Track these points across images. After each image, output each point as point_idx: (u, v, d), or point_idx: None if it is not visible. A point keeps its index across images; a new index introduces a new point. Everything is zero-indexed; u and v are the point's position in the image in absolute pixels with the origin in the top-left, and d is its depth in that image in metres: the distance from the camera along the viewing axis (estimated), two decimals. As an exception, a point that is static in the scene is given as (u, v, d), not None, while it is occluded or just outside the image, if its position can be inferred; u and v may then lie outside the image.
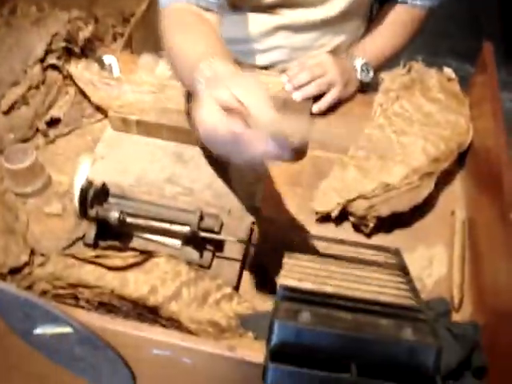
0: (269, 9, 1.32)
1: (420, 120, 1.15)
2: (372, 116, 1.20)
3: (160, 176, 1.11)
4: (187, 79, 0.91)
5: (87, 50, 1.36)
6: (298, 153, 0.74)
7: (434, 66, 1.30)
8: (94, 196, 0.92)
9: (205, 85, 0.79)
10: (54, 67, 1.27)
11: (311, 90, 1.23)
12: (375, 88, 1.31)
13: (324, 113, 1.25)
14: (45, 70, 1.26)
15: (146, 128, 1.17)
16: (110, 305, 0.85)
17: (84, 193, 0.90)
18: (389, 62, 1.38)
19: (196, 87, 0.82)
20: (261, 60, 1.40)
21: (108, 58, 1.35)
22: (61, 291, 0.82)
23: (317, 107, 1.23)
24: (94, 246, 0.96)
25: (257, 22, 1.35)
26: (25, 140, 1.17)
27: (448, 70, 1.25)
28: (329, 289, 0.78)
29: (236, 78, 0.74)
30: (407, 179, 1.05)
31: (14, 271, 0.97)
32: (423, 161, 1.08)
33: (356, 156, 1.10)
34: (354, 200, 1.03)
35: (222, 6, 1.11)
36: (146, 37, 1.66)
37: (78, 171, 0.90)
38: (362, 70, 1.31)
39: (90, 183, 0.92)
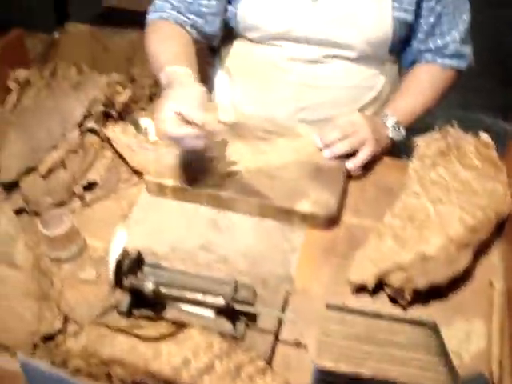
0: (272, 40, 1.35)
1: (457, 188, 1.14)
2: (407, 183, 1.19)
3: (195, 243, 1.11)
4: (158, 78, 1.19)
5: (124, 113, 1.38)
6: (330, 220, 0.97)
7: (467, 122, 1.30)
8: (129, 266, 0.92)
9: (164, 88, 1.12)
10: (91, 131, 1.28)
11: (343, 147, 1.23)
12: (409, 152, 1.30)
13: (357, 177, 1.23)
14: (83, 133, 1.27)
15: (182, 194, 1.17)
16: (143, 383, 0.84)
17: (119, 264, 0.90)
18: (420, 119, 1.40)
19: (161, 87, 1.14)
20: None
21: (144, 121, 1.37)
22: (94, 369, 0.82)
23: (351, 164, 1.22)
24: (128, 314, 0.95)
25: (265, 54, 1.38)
26: (61, 203, 1.18)
27: (484, 136, 1.24)
28: (365, 371, 0.76)
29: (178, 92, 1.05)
30: (445, 249, 1.03)
31: (48, 338, 0.96)
32: (460, 230, 1.06)
33: (392, 224, 1.09)
34: (390, 271, 1.01)
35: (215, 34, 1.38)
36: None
37: (113, 241, 0.91)
38: (394, 128, 1.32)
39: (125, 253, 0.92)
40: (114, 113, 1.33)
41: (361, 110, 1.40)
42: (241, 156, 1.22)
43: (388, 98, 1.44)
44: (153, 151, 1.23)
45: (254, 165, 1.21)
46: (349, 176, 1.23)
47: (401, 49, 1.42)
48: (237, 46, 1.43)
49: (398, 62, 1.47)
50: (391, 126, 1.30)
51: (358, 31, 1.31)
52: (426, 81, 1.40)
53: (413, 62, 1.43)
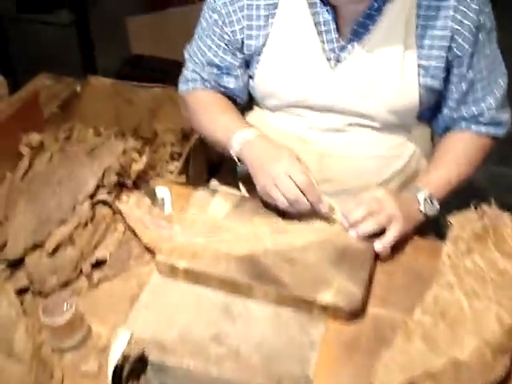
0: (291, 108, 1.29)
1: (494, 280, 1.04)
2: (440, 269, 1.09)
3: (205, 333, 1.03)
4: (222, 148, 1.29)
5: (140, 181, 1.31)
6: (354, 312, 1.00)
7: (506, 177, 1.19)
8: (130, 371, 0.84)
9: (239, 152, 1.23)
10: (103, 202, 1.22)
11: (369, 226, 1.14)
12: (442, 232, 1.21)
13: (385, 260, 1.14)
14: (94, 205, 1.21)
15: (195, 276, 1.10)
16: None
17: (120, 369, 0.82)
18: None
19: (232, 152, 1.24)
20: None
21: (161, 191, 1.31)
22: None
23: (380, 244, 1.13)
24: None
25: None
26: (67, 283, 1.11)
27: (525, 216, 1.14)
28: None
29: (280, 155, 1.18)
30: (480, 354, 0.94)
31: None
32: (497, 331, 0.96)
33: (422, 322, 0.99)
34: (419, 379, 0.91)
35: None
36: (203, 159, 1.61)
37: (114, 344, 0.83)
38: (426, 201, 1.20)
39: (126, 356, 0.84)
40: (128, 182, 1.26)
41: (388, 180, 1.31)
42: (258, 235, 1.14)
43: (418, 167, 1.35)
44: (167, 229, 1.16)
45: (273, 246, 1.13)
46: (376, 257, 1.14)
47: (431, 115, 1.33)
48: (255, 114, 1.37)
49: (430, 127, 1.38)
50: (423, 199, 1.20)
51: (381, 101, 1.22)
52: (460, 150, 1.30)
53: (446, 129, 1.34)
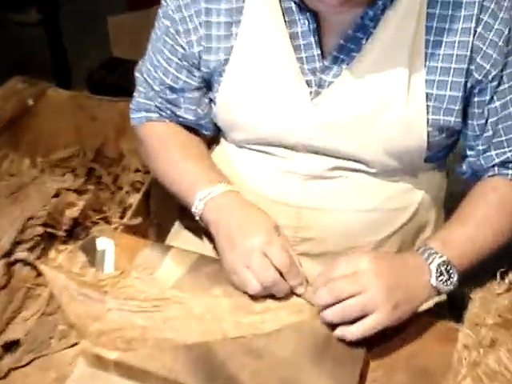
0: (262, 146, 1.01)
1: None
2: (453, 365, 0.81)
3: None
4: (181, 198, 1.03)
5: (80, 229, 1.03)
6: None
7: None
8: None
9: (208, 217, 0.95)
10: (24, 261, 0.94)
11: (336, 313, 0.84)
12: (457, 304, 0.92)
13: (383, 350, 0.86)
14: (11, 265, 0.93)
15: (129, 372, 0.82)
16: None
17: None
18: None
19: (193, 210, 0.97)
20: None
21: (103, 244, 1.02)
22: None
23: (341, 332, 0.84)
24: None
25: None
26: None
27: None
28: None
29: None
30: None
31: None
32: None
33: None
34: None
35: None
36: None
37: None
38: (440, 272, 0.89)
39: None
40: (60, 233, 0.98)
41: (386, 239, 1.02)
42: (216, 313, 0.87)
43: (426, 220, 1.06)
44: (98, 303, 0.88)
45: (234, 329, 0.85)
46: (369, 346, 0.86)
47: (446, 153, 1.04)
48: (220, 149, 1.08)
49: (442, 168, 1.08)
50: (436, 268, 0.88)
51: (377, 140, 0.93)
52: (491, 201, 0.96)
53: (474, 175, 1.02)
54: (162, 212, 1.35)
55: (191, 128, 1.07)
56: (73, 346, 0.90)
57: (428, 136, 0.92)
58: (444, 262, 0.88)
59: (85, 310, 0.89)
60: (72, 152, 1.61)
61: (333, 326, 0.86)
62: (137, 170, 1.52)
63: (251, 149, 1.01)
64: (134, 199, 1.32)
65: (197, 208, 0.95)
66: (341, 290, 0.83)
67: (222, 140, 1.08)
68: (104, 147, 1.64)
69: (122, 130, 1.69)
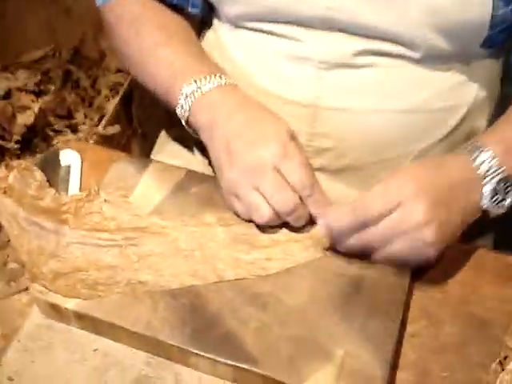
0: (266, 23, 0.76)
1: None
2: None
3: None
4: (161, 96, 0.77)
5: (37, 140, 0.81)
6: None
7: None
8: None
9: (198, 120, 0.71)
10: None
11: (357, 241, 0.64)
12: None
13: (426, 298, 0.65)
14: None
15: (93, 326, 0.62)
16: None
17: None
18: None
19: (178, 111, 0.73)
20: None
21: (68, 156, 0.81)
22: None
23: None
24: None
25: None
26: None
27: None
28: None
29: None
30: None
31: None
32: None
33: None
34: None
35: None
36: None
37: None
38: (496, 191, 0.66)
39: None
40: (10, 145, 0.76)
41: (426, 150, 0.79)
42: (207, 249, 0.67)
43: (478, 129, 0.83)
44: (55, 234, 0.67)
45: (232, 272, 0.65)
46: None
47: (505, 38, 0.79)
48: (212, 34, 0.83)
49: (500, 63, 0.84)
50: (493, 186, 0.65)
51: (421, 14, 0.68)
52: None
53: None
54: (148, 120, 1.12)
55: (174, 8, 0.82)
56: (25, 290, 0.69)
57: (493, 7, 0.67)
58: (504, 178, 0.65)
59: (37, 245, 0.68)
60: (45, 52, 1.40)
61: (362, 264, 0.64)
62: (118, 71, 1.28)
63: (251, 29, 0.77)
64: (113, 104, 1.09)
65: (182, 108, 0.71)
66: (369, 207, 0.63)
67: (215, 21, 0.83)
68: (82, 46, 1.45)
69: (102, 25, 1.45)
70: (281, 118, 0.70)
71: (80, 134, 0.88)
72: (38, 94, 0.86)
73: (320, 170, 0.80)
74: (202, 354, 0.59)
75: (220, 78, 0.72)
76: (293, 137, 0.68)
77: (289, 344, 0.59)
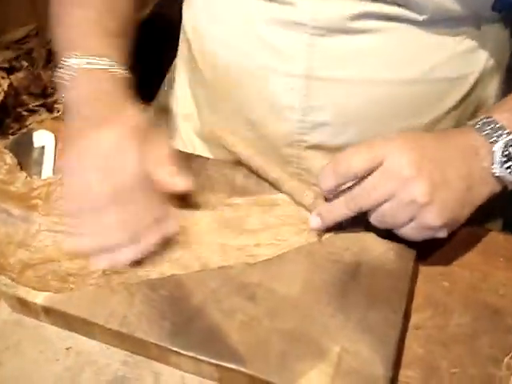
0: None
1: None
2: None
3: None
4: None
5: (8, 120, 0.75)
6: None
7: None
8: None
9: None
10: None
11: (338, 211, 0.59)
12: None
13: (431, 284, 0.59)
14: None
15: (65, 321, 0.56)
16: None
17: None
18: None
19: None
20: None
21: (42, 137, 0.75)
22: None
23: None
24: None
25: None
26: None
27: None
28: None
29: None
30: None
31: None
32: None
33: None
34: None
35: None
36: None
37: None
38: (508, 156, 0.58)
39: None
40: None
41: (433, 122, 0.72)
42: (190, 234, 0.61)
43: (487, 98, 0.76)
44: (24, 221, 0.61)
45: (217, 258, 0.59)
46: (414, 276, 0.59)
47: None
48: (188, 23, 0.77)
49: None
50: (502, 149, 0.57)
51: None
52: None
53: None
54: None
55: None
56: None
57: None
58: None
59: (5, 233, 0.62)
60: (28, 31, 1.31)
61: (360, 249, 0.58)
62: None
63: None
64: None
65: (61, 75, 0.64)
66: (362, 200, 0.57)
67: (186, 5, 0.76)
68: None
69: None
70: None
71: (56, 114, 0.81)
72: (11, 70, 0.79)
73: (317, 147, 0.73)
74: (183, 352, 0.53)
75: (105, 61, 0.63)
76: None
77: (279, 339, 0.53)
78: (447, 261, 0.62)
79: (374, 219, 0.58)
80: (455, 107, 0.71)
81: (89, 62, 0.63)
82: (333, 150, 0.73)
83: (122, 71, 0.64)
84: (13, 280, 0.59)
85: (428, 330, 0.58)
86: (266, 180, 0.66)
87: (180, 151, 0.69)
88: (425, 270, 0.61)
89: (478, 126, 0.58)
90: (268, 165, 0.66)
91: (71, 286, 0.58)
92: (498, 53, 0.72)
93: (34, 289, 0.58)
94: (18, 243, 0.61)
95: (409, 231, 0.57)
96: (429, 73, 0.67)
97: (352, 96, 0.69)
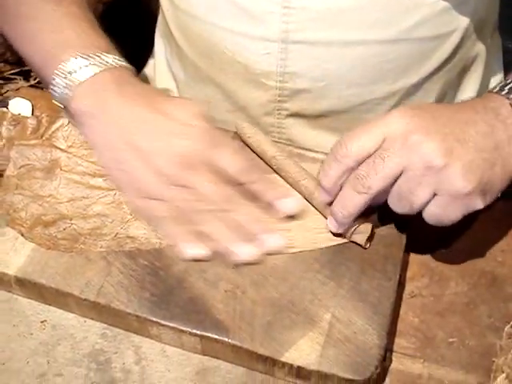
0: None
1: None
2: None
3: None
4: (35, 65, 0.62)
5: None
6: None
7: None
8: None
9: (82, 102, 0.56)
10: None
11: (349, 201, 0.52)
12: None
13: (427, 249, 0.56)
14: None
15: (39, 293, 0.53)
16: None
17: None
18: None
19: (57, 90, 0.58)
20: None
21: (17, 104, 0.72)
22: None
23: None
24: None
25: None
26: None
27: None
28: None
29: None
30: None
31: None
32: None
33: None
34: None
35: None
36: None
37: None
38: None
39: None
40: None
41: (417, 88, 0.69)
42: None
43: (475, 57, 0.73)
44: (43, 173, 0.59)
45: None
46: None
47: None
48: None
49: None
50: None
51: None
52: None
53: None
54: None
55: None
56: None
57: None
58: None
59: (19, 185, 0.59)
60: None
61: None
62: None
63: None
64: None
65: (62, 87, 0.58)
66: (369, 178, 0.50)
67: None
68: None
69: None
70: (187, 99, 0.60)
71: (32, 82, 0.77)
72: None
73: (297, 115, 0.70)
74: (163, 322, 0.50)
75: (115, 58, 0.59)
76: (208, 118, 0.57)
77: (266, 309, 0.50)
78: (443, 227, 0.58)
79: (392, 203, 0.51)
80: (441, 67, 0.67)
81: (94, 64, 0.58)
82: (314, 117, 0.69)
83: (123, 61, 0.61)
84: (22, 234, 0.55)
85: (424, 298, 0.55)
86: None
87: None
88: (420, 238, 0.57)
89: (495, 90, 0.54)
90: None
91: (81, 246, 0.55)
92: (482, 10, 0.68)
93: (42, 246, 0.55)
94: (33, 197, 0.58)
95: (436, 209, 0.49)
96: (408, 32, 0.63)
97: (330, 60, 0.64)
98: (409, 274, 0.56)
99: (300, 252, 0.53)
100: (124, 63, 0.60)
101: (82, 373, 0.51)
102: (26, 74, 0.78)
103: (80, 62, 0.57)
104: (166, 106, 0.57)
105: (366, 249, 0.53)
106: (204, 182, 0.54)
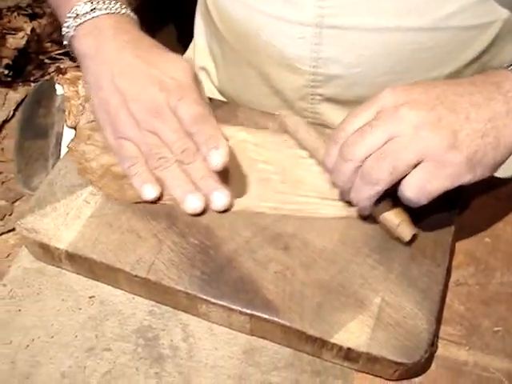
0: None
1: None
2: None
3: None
4: (54, 8, 0.67)
5: (30, 67, 0.72)
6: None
7: None
8: None
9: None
10: None
11: (346, 176, 0.52)
12: None
13: (473, 239, 0.56)
14: None
15: (89, 269, 0.54)
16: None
17: None
18: None
19: (64, 29, 0.63)
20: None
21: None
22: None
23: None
24: None
25: None
26: None
27: None
28: None
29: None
30: None
31: None
32: None
33: None
34: None
35: None
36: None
37: None
38: None
39: None
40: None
41: (452, 77, 0.68)
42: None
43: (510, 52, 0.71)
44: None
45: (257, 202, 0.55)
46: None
47: None
48: None
49: None
50: None
51: None
52: None
53: None
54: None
55: None
56: (13, 230, 0.61)
57: None
58: None
59: (91, 136, 0.62)
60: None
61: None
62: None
63: None
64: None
65: (69, 27, 0.63)
66: (355, 145, 0.50)
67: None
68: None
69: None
70: (179, 57, 0.62)
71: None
72: (33, 16, 0.76)
73: (331, 100, 0.70)
74: (214, 301, 0.50)
75: (121, 7, 0.63)
76: (195, 78, 0.60)
77: (315, 290, 0.50)
78: (489, 217, 0.58)
79: (374, 167, 0.50)
80: (478, 57, 0.67)
81: (100, 9, 0.62)
82: (349, 102, 0.69)
83: (128, 10, 0.64)
84: (92, 183, 0.57)
85: (469, 287, 0.55)
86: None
87: (210, 98, 0.66)
88: (466, 227, 0.57)
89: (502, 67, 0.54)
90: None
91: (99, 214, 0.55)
92: None
93: (109, 196, 0.57)
94: (104, 148, 0.59)
95: (419, 178, 0.48)
96: (446, 20, 0.63)
97: (365, 46, 0.64)
98: (455, 262, 0.56)
99: (347, 236, 0.54)
100: (129, 12, 0.64)
101: (130, 348, 0.52)
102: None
103: (87, 6, 0.62)
104: (155, 57, 0.60)
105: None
106: (167, 131, 0.56)
